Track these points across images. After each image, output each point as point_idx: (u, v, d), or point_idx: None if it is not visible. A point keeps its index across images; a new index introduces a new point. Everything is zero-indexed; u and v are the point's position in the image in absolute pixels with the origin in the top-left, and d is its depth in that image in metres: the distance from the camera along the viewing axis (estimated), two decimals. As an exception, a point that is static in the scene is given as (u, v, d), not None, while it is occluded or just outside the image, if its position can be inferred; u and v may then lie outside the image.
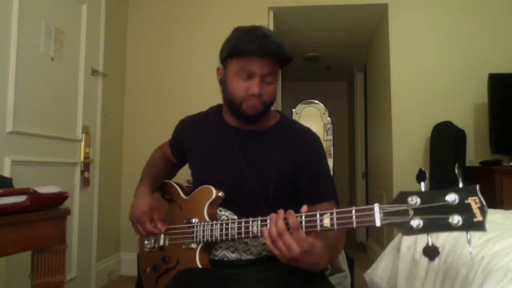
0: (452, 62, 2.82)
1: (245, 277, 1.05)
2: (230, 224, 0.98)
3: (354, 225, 0.75)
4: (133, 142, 3.00)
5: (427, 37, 2.87)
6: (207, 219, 1.06)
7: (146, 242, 1.20)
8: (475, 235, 1.14)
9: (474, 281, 0.96)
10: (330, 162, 5.97)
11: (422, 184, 0.70)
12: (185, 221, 1.10)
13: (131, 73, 3.06)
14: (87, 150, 2.38)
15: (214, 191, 1.08)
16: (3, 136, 1.74)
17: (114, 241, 2.90)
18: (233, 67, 1.07)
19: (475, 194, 0.65)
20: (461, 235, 1.19)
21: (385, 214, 0.71)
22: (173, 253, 1.12)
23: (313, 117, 7.33)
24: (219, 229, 1.01)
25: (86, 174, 2.37)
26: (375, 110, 3.61)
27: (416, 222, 0.68)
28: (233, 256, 1.09)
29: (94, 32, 2.47)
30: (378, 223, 0.72)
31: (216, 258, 1.10)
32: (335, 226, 0.78)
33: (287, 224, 0.82)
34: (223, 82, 1.13)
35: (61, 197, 1.25)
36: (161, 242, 1.15)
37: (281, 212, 0.84)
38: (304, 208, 0.84)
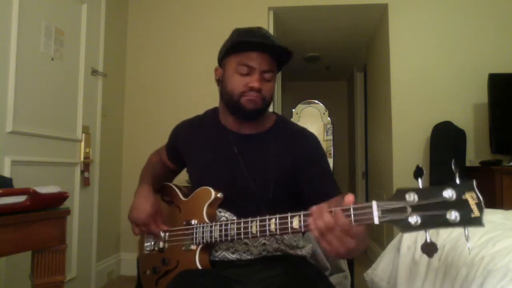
0: (452, 62, 2.82)
1: (245, 277, 1.04)
2: (229, 224, 0.98)
3: (352, 223, 0.75)
4: (133, 142, 3.00)
5: (427, 37, 2.87)
6: (207, 220, 1.06)
7: (146, 244, 1.20)
8: (475, 236, 1.14)
9: (474, 281, 0.96)
10: (330, 162, 5.97)
11: (420, 180, 0.70)
12: (184, 223, 1.10)
13: (131, 73, 3.06)
14: (87, 150, 2.38)
15: (213, 192, 1.08)
16: (3, 136, 1.74)
17: (114, 241, 2.90)
18: (232, 63, 1.08)
19: (472, 190, 0.65)
20: (461, 235, 1.20)
21: (383, 212, 0.71)
22: (172, 255, 1.12)
23: (313, 117, 7.33)
24: (218, 230, 1.01)
25: (86, 174, 2.37)
26: (375, 110, 3.61)
27: (414, 219, 0.68)
28: (233, 256, 1.09)
29: (94, 32, 2.47)
30: (376, 220, 0.72)
31: (216, 259, 1.10)
32: None
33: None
34: (221, 82, 1.13)
35: (61, 197, 1.25)
36: (161, 244, 1.15)
37: (324, 205, 0.77)
38: (350, 197, 0.77)
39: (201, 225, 1.06)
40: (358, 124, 4.55)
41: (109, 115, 2.75)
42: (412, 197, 0.69)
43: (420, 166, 0.69)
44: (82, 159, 2.34)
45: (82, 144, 2.34)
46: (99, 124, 2.55)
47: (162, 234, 1.15)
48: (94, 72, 2.47)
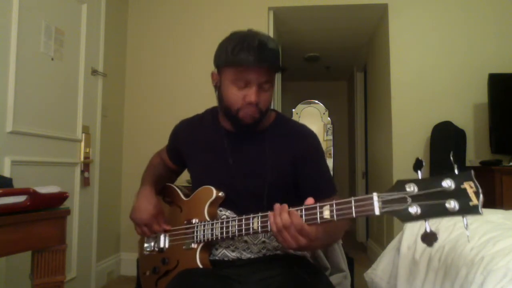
0: (452, 62, 2.82)
1: (245, 277, 1.05)
2: (230, 222, 0.98)
3: (354, 214, 0.77)
4: (133, 142, 3.00)
5: (427, 37, 2.87)
6: (208, 218, 1.06)
7: (146, 245, 1.20)
8: (475, 236, 1.14)
9: (474, 281, 0.96)
10: (330, 162, 5.97)
11: (419, 172, 0.71)
12: (185, 222, 1.11)
13: (131, 73, 3.06)
14: (87, 150, 2.38)
15: (214, 191, 1.08)
16: (3, 136, 1.74)
17: (114, 241, 2.90)
18: (229, 75, 1.04)
19: (470, 179, 0.66)
20: (461, 235, 1.20)
21: (384, 203, 0.73)
22: (173, 255, 1.12)
23: (313, 117, 7.34)
24: (219, 228, 1.01)
25: (86, 174, 2.37)
26: (375, 110, 3.61)
27: (414, 209, 0.69)
28: (233, 255, 1.09)
29: (94, 32, 2.47)
30: (377, 211, 0.73)
31: (216, 258, 1.10)
32: (335, 217, 0.80)
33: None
34: (218, 88, 1.11)
35: (61, 197, 1.25)
36: (161, 244, 1.15)
37: (285, 205, 0.86)
38: (310, 200, 0.85)
39: (202, 223, 1.06)
40: (358, 124, 4.55)
41: (109, 115, 2.75)
42: (412, 188, 0.70)
43: (420, 158, 0.71)
44: (82, 159, 2.34)
45: (82, 144, 2.34)
46: (99, 124, 2.54)
47: (163, 234, 1.15)
48: (94, 72, 2.47)
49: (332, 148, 6.22)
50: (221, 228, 1.00)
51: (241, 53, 1.00)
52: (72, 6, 2.26)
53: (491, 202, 2.20)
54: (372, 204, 0.74)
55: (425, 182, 0.69)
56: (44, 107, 2.02)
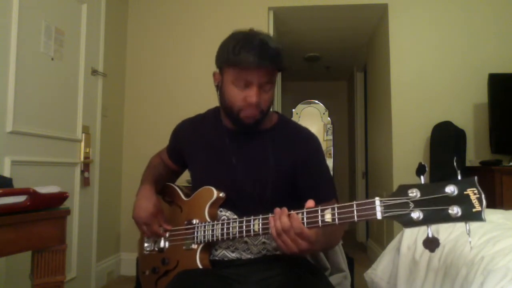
0: (452, 62, 2.82)
1: (245, 277, 1.05)
2: (231, 223, 0.98)
3: (356, 218, 0.77)
4: (133, 142, 3.00)
5: (427, 37, 2.87)
6: (208, 219, 1.06)
7: (146, 245, 1.20)
8: (475, 235, 1.14)
9: (474, 281, 0.96)
10: (330, 162, 5.97)
11: (422, 177, 0.71)
12: (186, 222, 1.11)
13: (131, 73, 3.06)
14: (87, 150, 2.38)
15: (215, 191, 1.08)
16: (3, 136, 1.74)
17: (114, 241, 2.90)
18: (230, 75, 1.04)
19: (474, 186, 0.66)
20: (461, 236, 1.20)
21: (386, 207, 0.73)
22: (173, 255, 1.12)
23: (313, 117, 7.34)
24: (220, 229, 1.01)
25: (86, 174, 2.37)
26: (375, 110, 3.61)
27: (416, 214, 0.69)
28: (233, 255, 1.09)
29: (94, 32, 2.47)
30: (379, 216, 0.73)
31: (216, 258, 1.10)
32: (337, 221, 0.79)
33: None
34: (219, 88, 1.11)
35: (61, 197, 1.25)
36: (161, 244, 1.15)
37: (285, 209, 0.86)
38: (310, 203, 0.85)
39: (203, 224, 1.06)
40: (358, 124, 4.55)
41: (109, 115, 2.75)
42: (414, 193, 0.70)
43: (423, 163, 0.71)
44: (82, 159, 2.34)
45: (82, 144, 2.34)
46: (99, 124, 2.55)
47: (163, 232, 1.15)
48: (94, 72, 2.47)
49: (332, 148, 6.22)
50: (222, 229, 1.00)
51: (241, 53, 0.99)
52: (72, 6, 2.26)
53: (491, 202, 2.20)
54: (374, 208, 0.74)
55: (428, 187, 0.69)
56: (44, 107, 2.02)
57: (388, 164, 2.97)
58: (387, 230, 3.02)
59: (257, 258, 1.09)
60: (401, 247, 1.40)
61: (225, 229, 1.00)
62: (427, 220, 0.68)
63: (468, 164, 2.66)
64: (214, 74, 1.14)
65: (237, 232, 0.96)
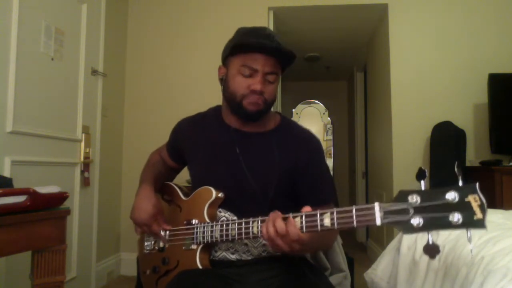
0: (452, 62, 2.82)
1: (245, 277, 1.05)
2: (230, 224, 0.98)
3: (355, 224, 0.75)
4: (133, 142, 3.00)
5: (427, 37, 2.87)
6: (207, 220, 1.06)
7: (146, 244, 1.20)
8: (475, 235, 1.14)
9: (474, 281, 0.96)
10: (330, 162, 5.97)
11: (422, 182, 0.70)
12: (185, 222, 1.10)
13: (131, 73, 3.06)
14: (87, 150, 2.38)
15: (214, 192, 1.08)
16: (3, 136, 1.74)
17: (114, 241, 2.90)
18: (236, 64, 1.07)
19: (475, 192, 0.65)
20: (461, 235, 1.20)
21: (386, 213, 0.72)
22: (173, 255, 1.12)
23: (313, 117, 7.34)
24: (219, 230, 1.01)
25: (86, 174, 2.37)
26: (375, 110, 3.61)
27: (416, 221, 0.68)
28: (233, 257, 1.09)
29: (94, 32, 2.47)
30: (378, 222, 0.72)
31: (216, 259, 1.10)
32: (336, 226, 0.78)
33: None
34: (224, 81, 1.13)
35: (61, 197, 1.25)
36: (161, 244, 1.15)
37: (279, 214, 0.85)
38: (307, 208, 0.84)
39: (202, 224, 1.06)
40: (358, 124, 4.55)
41: (109, 115, 2.75)
42: (414, 199, 0.69)
43: (423, 168, 0.70)
44: (82, 159, 2.34)
45: (82, 144, 2.34)
46: (99, 124, 2.54)
47: (162, 233, 1.15)
48: (94, 72, 2.47)
49: (332, 148, 6.22)
50: (221, 230, 1.00)
51: (250, 38, 1.05)
52: (72, 6, 2.26)
53: (491, 202, 2.20)
54: (373, 214, 0.72)
55: (428, 193, 0.68)
56: (44, 107, 2.02)
57: (388, 164, 2.97)
58: (387, 230, 3.02)
59: (257, 258, 1.09)
60: (401, 247, 1.40)
61: (224, 230, 0.99)
62: (427, 227, 0.67)
63: (468, 164, 2.66)
64: (219, 68, 1.16)
65: (236, 234, 0.96)
